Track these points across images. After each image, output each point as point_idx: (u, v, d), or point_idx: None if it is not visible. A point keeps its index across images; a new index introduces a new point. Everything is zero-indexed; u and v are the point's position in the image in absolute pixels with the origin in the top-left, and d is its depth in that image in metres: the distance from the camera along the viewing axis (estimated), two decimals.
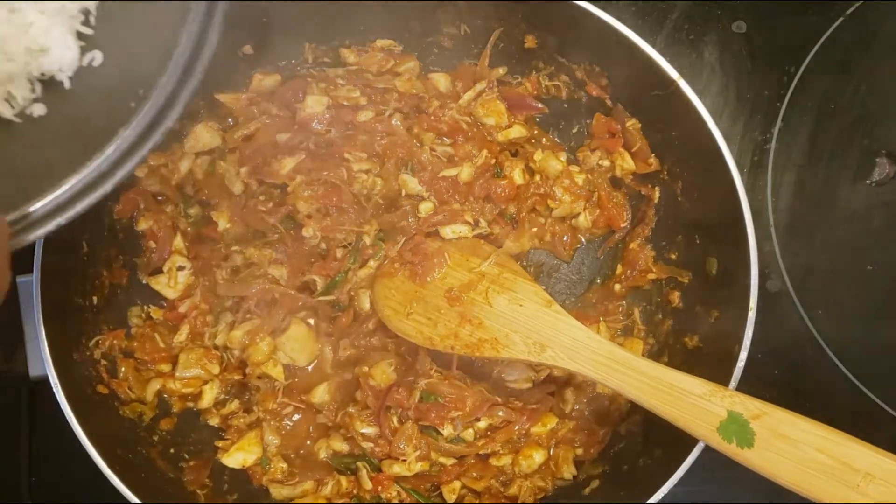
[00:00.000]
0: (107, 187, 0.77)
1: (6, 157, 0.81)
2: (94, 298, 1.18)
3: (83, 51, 0.83)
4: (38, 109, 0.83)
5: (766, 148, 1.36)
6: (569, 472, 1.19)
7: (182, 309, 1.23)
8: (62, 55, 0.82)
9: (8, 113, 0.82)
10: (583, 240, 1.32)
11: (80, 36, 0.83)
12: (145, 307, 1.24)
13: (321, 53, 1.28)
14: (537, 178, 1.28)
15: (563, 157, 1.30)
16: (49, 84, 0.84)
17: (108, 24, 0.85)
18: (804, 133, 1.36)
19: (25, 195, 0.76)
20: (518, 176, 1.27)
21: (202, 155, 1.26)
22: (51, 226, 0.77)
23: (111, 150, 0.77)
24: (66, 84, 0.84)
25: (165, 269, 1.24)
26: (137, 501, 1.03)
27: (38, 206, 0.76)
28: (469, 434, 1.19)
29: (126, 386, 1.18)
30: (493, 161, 1.26)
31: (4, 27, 0.80)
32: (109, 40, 0.84)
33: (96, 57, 0.84)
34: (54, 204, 0.77)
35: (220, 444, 1.21)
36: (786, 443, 0.92)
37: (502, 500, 1.18)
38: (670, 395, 0.99)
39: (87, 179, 0.77)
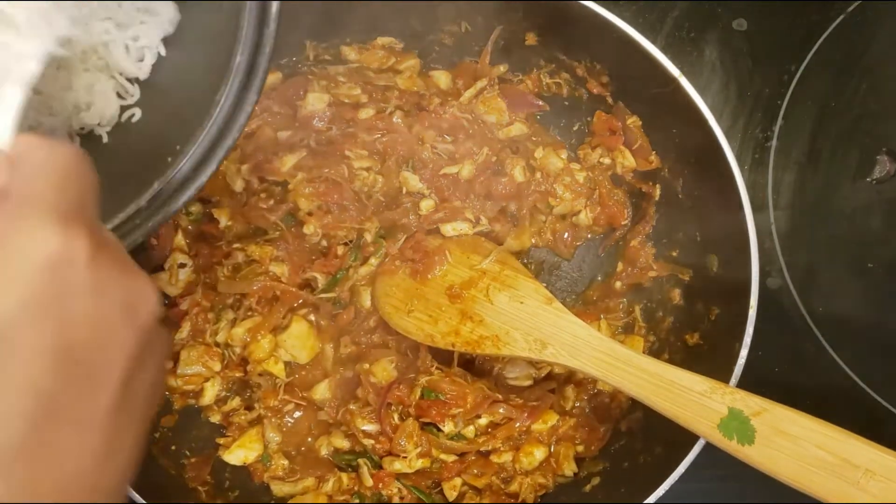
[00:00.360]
0: (137, 237, 0.78)
1: None
2: None
3: (123, 108, 0.85)
4: None
5: (767, 146, 1.36)
6: (569, 469, 1.20)
7: (183, 306, 1.23)
8: (103, 111, 0.84)
9: None
10: (584, 237, 1.33)
11: (120, 94, 0.86)
12: None
13: (322, 51, 1.28)
14: (538, 175, 1.28)
15: (564, 154, 1.30)
16: (87, 137, 0.85)
17: (149, 83, 0.87)
18: (805, 131, 1.36)
19: None
20: (519, 173, 1.27)
21: None
22: None
23: (144, 203, 0.78)
24: (105, 139, 0.85)
25: (166, 266, 1.24)
26: (139, 500, 1.03)
27: None
28: (470, 431, 1.19)
29: None
30: (494, 158, 1.26)
31: (51, 85, 0.81)
32: (150, 98, 0.86)
33: (136, 114, 0.85)
34: None
35: (221, 441, 1.21)
36: (786, 439, 0.92)
37: (503, 497, 1.19)
38: (671, 392, 0.99)
39: (119, 231, 0.77)
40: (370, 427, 1.17)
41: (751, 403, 0.95)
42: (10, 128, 0.67)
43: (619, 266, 1.29)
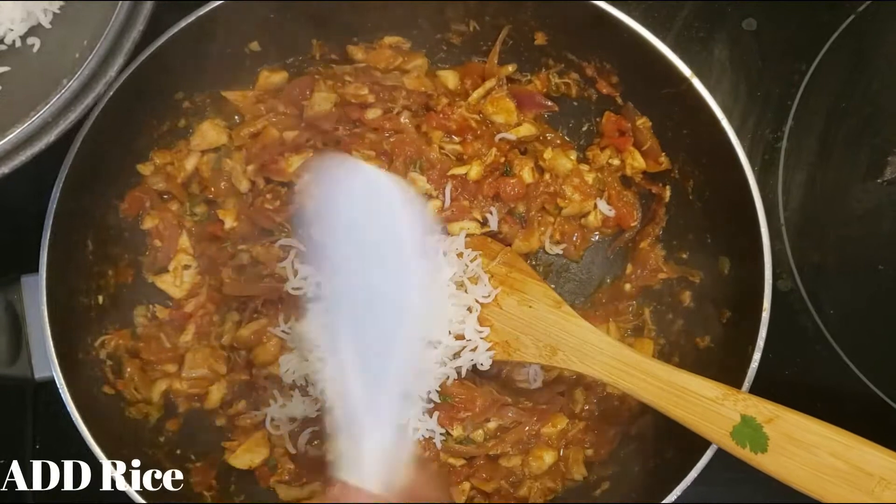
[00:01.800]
0: (50, 138, 0.82)
1: None
2: (100, 298, 1.17)
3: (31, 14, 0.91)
4: None
5: (777, 146, 1.35)
6: (579, 473, 1.19)
7: (188, 308, 1.22)
8: (12, 16, 0.88)
9: None
10: (593, 238, 1.31)
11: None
12: (151, 306, 1.23)
13: (328, 50, 1.26)
14: (547, 176, 1.27)
15: (573, 155, 1.29)
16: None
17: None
18: (815, 131, 1.34)
19: None
20: (527, 174, 1.25)
21: (208, 153, 1.25)
22: None
23: (54, 100, 0.82)
24: (18, 44, 0.90)
25: (171, 267, 1.23)
26: (143, 502, 1.02)
27: None
28: (479, 435, 1.18)
29: (132, 386, 1.16)
30: (503, 159, 1.25)
31: None
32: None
33: (42, 19, 0.90)
34: None
35: (226, 444, 1.20)
36: (799, 447, 0.91)
37: (512, 502, 1.18)
38: (682, 398, 0.98)
39: (29, 130, 0.81)
40: None
41: (763, 410, 0.94)
42: None
43: (629, 268, 1.28)
